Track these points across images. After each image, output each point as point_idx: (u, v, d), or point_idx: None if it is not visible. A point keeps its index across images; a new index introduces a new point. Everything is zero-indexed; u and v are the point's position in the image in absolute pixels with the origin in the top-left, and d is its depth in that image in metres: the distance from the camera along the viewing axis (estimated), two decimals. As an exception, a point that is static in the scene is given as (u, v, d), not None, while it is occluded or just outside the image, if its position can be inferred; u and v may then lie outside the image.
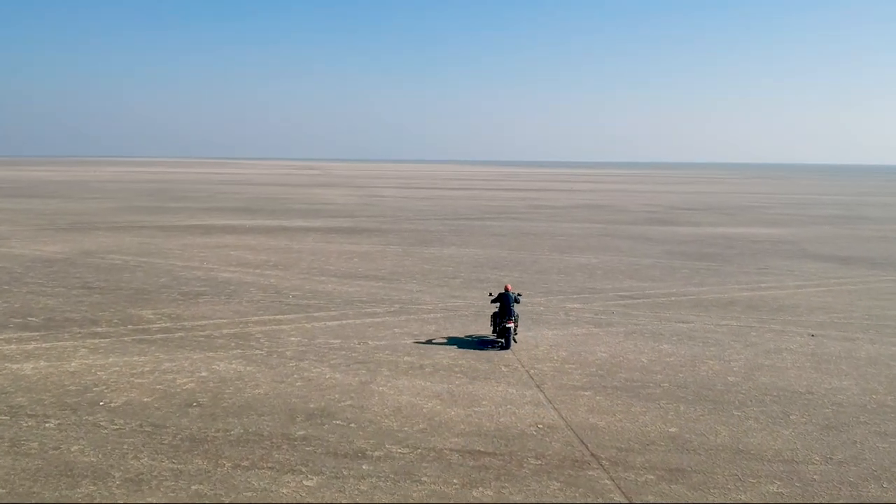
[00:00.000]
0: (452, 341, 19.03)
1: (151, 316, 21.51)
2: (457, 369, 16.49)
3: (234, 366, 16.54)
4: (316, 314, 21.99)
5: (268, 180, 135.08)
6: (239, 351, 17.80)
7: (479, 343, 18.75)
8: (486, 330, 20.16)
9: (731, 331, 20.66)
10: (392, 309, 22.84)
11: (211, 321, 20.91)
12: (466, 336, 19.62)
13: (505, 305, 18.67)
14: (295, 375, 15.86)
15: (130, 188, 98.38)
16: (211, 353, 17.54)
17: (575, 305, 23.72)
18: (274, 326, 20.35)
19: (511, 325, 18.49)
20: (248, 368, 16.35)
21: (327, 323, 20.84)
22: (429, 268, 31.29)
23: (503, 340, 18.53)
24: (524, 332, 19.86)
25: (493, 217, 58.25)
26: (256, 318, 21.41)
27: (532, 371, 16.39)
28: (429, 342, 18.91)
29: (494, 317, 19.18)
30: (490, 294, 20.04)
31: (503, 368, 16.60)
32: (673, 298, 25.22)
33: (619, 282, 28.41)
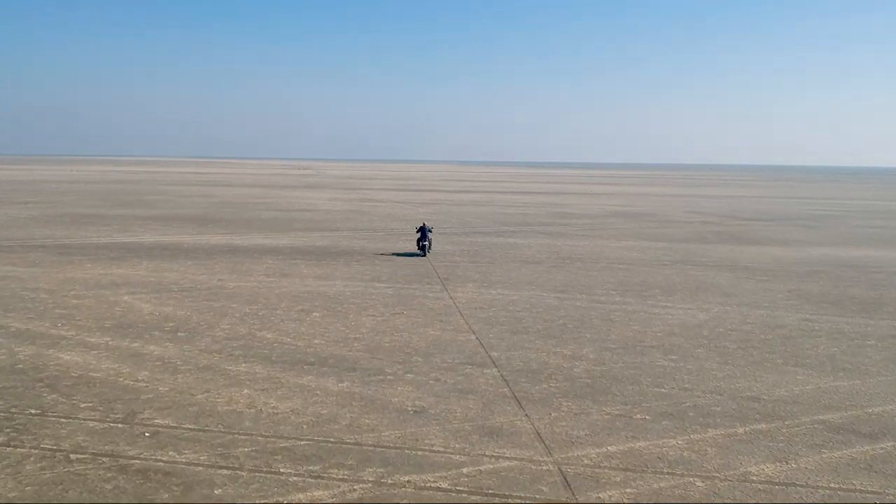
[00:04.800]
0: None
1: None
2: None
3: None
4: (165, 522, 8.99)
5: (254, 181, 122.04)
6: None
7: (406, 254, 30.99)
8: None
9: None
10: (357, 487, 9.87)
11: None
12: None
13: (423, 233, 31.40)
14: None
15: (87, 189, 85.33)
16: None
17: (765, 469, 10.69)
18: None
19: (426, 243, 31.09)
20: None
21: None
22: (435, 335, 18.30)
23: (422, 253, 30.92)
24: None
25: (515, 231, 45.17)
26: (3, 543, 8.42)
27: None
28: None
29: (418, 241, 31.51)
30: (416, 228, 34.13)
31: None
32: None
33: (788, 377, 15.38)
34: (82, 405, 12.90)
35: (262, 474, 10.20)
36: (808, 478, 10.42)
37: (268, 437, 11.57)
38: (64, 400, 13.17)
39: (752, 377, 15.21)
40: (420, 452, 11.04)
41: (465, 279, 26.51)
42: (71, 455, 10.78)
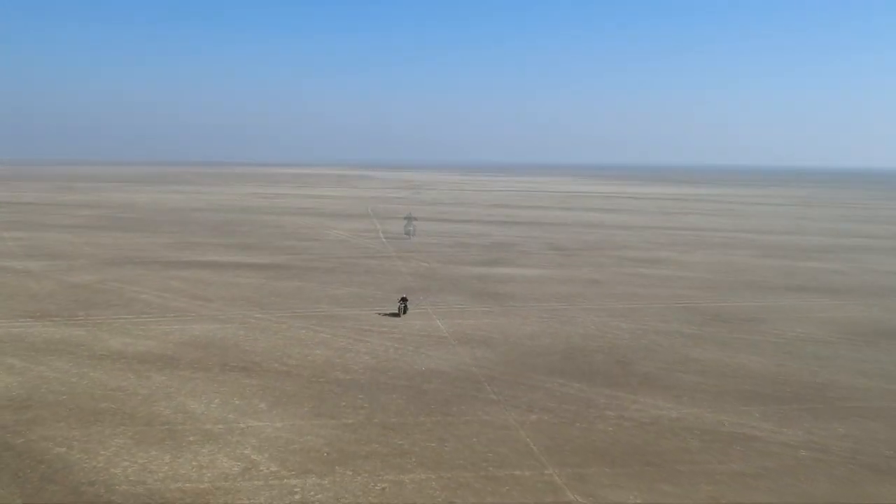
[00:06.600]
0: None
1: None
2: None
3: None
4: None
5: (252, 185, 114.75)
6: None
7: (388, 315, 24.48)
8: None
9: None
10: None
11: None
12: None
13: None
14: None
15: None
16: None
17: None
18: None
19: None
20: None
21: None
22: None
23: (399, 314, 26.04)
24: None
25: (526, 244, 37.84)
26: None
27: None
28: None
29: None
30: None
31: None
32: None
33: None
34: None
35: None
36: None
37: None
38: None
39: None
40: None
41: (470, 314, 19.54)
42: None
